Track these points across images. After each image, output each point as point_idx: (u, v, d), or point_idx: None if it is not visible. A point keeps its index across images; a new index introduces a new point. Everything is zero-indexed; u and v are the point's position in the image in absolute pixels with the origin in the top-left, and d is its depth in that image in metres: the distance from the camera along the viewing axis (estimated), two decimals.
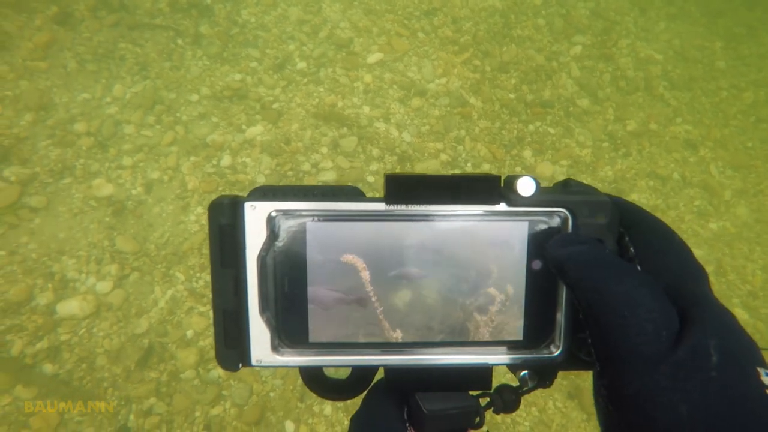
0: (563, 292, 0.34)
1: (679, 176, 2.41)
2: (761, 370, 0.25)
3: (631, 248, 0.32)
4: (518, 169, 2.20)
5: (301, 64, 2.24)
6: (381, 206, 0.33)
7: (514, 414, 1.76)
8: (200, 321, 1.69)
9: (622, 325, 0.25)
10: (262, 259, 0.33)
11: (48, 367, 1.55)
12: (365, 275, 0.34)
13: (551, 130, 2.36)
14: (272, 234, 0.33)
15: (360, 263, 0.34)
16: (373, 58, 2.31)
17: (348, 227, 0.33)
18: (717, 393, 0.24)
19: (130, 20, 2.20)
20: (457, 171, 2.13)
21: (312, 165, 2.02)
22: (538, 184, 0.33)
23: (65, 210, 1.79)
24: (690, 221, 2.30)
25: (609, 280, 0.27)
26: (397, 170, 2.07)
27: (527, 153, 2.27)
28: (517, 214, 0.34)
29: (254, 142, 2.04)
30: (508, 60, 2.47)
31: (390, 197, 0.33)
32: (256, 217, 0.33)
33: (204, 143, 2.00)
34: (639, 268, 0.30)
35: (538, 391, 1.81)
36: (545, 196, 0.33)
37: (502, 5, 2.62)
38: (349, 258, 0.34)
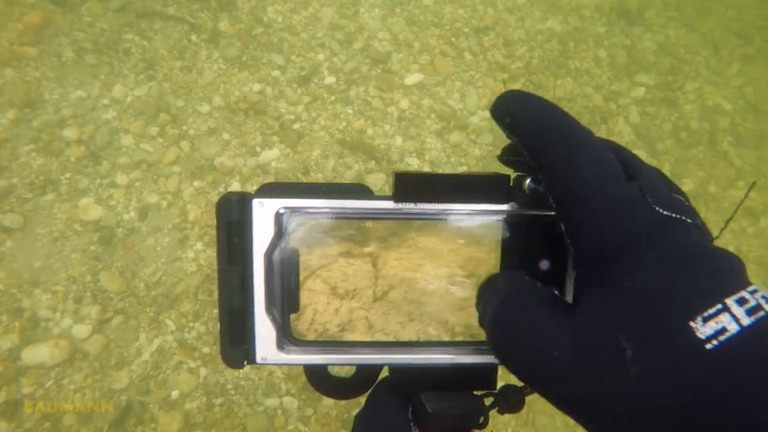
0: (569, 292, 0.33)
1: (734, 249, 2.15)
2: (696, 321, 0.20)
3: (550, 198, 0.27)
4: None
5: (330, 79, 1.96)
6: (389, 204, 0.32)
7: None
8: (189, 379, 1.48)
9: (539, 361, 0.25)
10: (269, 257, 0.33)
11: (3, 426, 1.34)
12: (373, 273, 0.33)
13: None
14: (280, 231, 0.33)
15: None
16: (412, 79, 2.03)
17: (356, 225, 0.33)
18: (642, 387, 0.21)
19: (139, 5, 1.91)
20: None
21: None
22: None
23: (44, 233, 1.55)
24: None
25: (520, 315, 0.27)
26: None
27: None
28: (525, 213, 0.33)
29: (268, 168, 1.78)
30: (561, 95, 2.19)
31: (399, 195, 0.32)
32: (264, 213, 0.32)
33: (211, 165, 1.74)
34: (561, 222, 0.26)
35: None
36: None
37: (561, 29, 2.32)
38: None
